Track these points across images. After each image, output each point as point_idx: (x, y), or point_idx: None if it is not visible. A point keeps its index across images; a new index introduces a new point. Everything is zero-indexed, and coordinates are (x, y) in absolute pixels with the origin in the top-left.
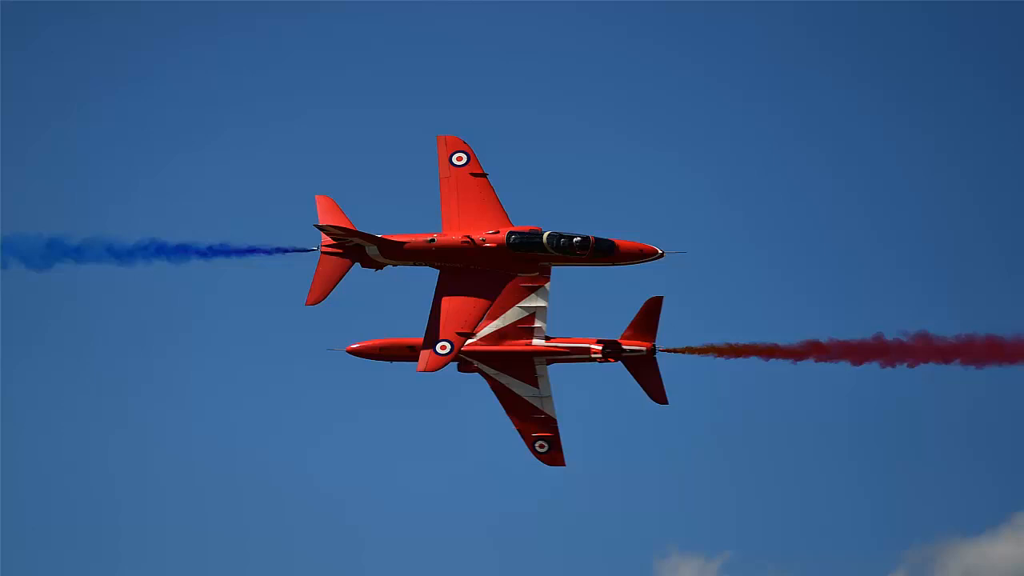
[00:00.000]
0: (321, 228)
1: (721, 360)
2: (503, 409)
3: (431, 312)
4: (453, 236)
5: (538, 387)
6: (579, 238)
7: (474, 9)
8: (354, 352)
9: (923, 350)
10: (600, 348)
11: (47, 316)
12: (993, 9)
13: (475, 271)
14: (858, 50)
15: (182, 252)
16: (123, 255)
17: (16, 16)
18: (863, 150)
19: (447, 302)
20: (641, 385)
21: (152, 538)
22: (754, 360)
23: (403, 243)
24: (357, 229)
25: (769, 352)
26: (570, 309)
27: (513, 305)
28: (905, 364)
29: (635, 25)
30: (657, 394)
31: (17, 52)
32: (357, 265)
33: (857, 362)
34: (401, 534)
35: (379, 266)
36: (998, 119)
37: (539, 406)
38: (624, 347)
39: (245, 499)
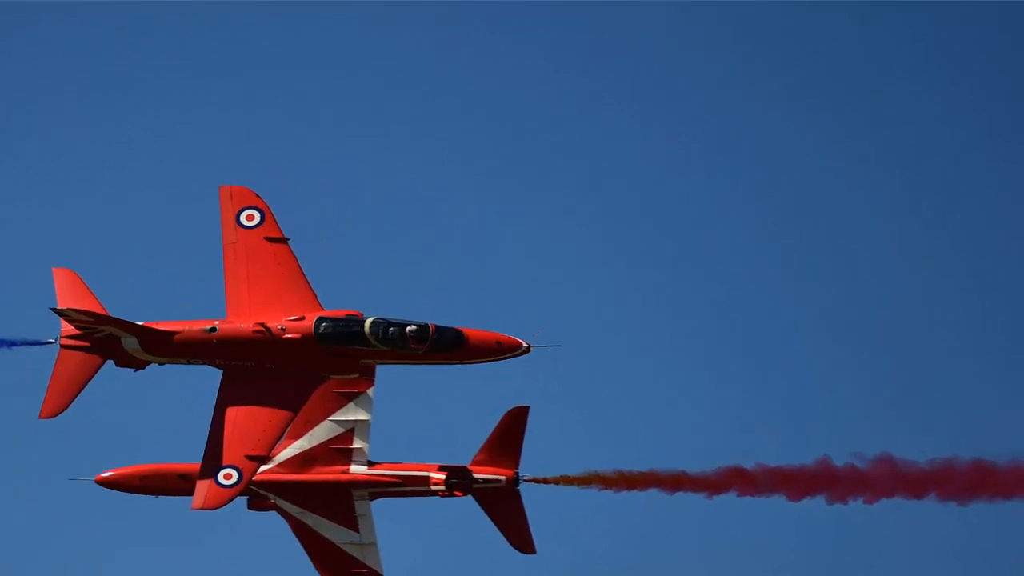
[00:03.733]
0: (60, 313)
1: (608, 493)
2: (309, 560)
3: (211, 428)
4: (242, 324)
5: (359, 530)
6: (414, 327)
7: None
8: (105, 483)
9: (885, 480)
10: (443, 477)
11: None
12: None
13: (272, 371)
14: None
15: None
16: None
17: None
18: (792, 187)
19: (233, 414)
20: (499, 528)
21: None
22: (654, 493)
23: (173, 333)
24: (110, 314)
25: (675, 483)
26: (402, 424)
27: (324, 418)
28: (861, 499)
29: (490, 45)
30: (521, 540)
31: None
32: (110, 363)
33: (795, 496)
34: None
35: (140, 364)
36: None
37: (359, 556)
38: (476, 476)
39: None
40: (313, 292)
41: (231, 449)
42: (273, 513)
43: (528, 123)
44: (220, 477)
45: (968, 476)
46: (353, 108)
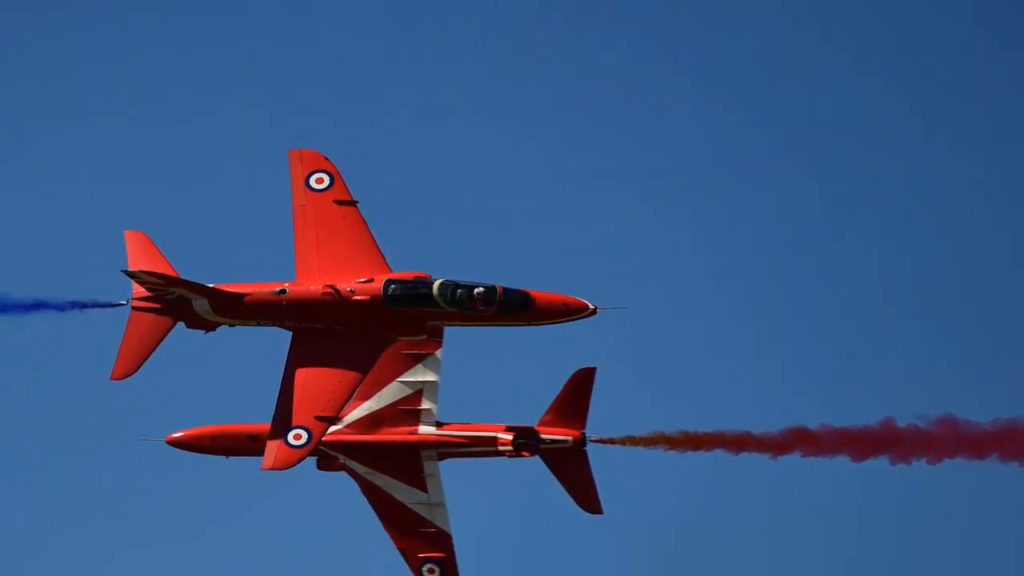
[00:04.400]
0: (131, 275)
1: (674, 454)
2: (378, 520)
3: (281, 389)
4: (311, 286)
5: (427, 491)
6: (482, 288)
7: None
8: (176, 443)
9: (948, 440)
10: (511, 438)
11: None
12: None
13: (341, 333)
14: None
15: None
16: None
17: None
18: (864, 158)
19: (303, 375)
20: (566, 487)
21: None
22: (719, 454)
23: (243, 295)
24: (180, 276)
25: (739, 443)
26: (470, 385)
27: (392, 380)
28: (923, 459)
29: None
30: (587, 499)
31: None
32: (181, 325)
33: (858, 457)
34: None
35: (211, 326)
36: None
37: (428, 516)
38: (543, 436)
39: None
40: (382, 254)
41: (301, 410)
42: (342, 473)
43: (597, 82)
44: (290, 438)
45: None
46: (418, 69)
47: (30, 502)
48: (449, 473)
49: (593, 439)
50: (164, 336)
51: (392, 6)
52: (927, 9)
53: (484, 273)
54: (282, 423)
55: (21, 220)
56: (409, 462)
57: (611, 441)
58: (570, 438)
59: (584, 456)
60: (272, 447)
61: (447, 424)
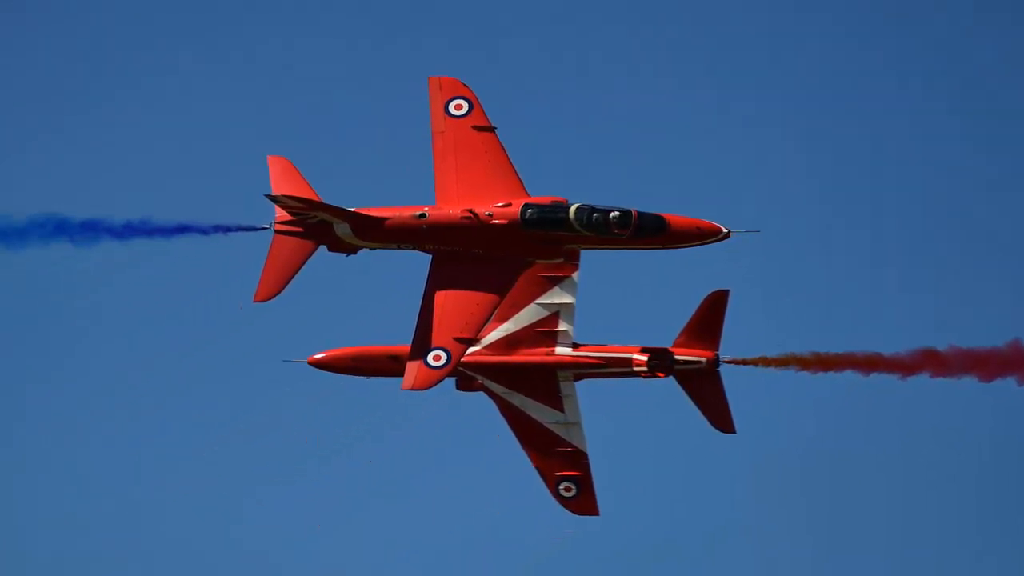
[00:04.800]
0: (274, 199)
1: (805, 375)
2: (516, 440)
3: (421, 311)
4: (450, 210)
5: (563, 410)
6: (617, 212)
7: None
8: (318, 364)
9: None
10: (645, 359)
11: None
12: None
13: (479, 256)
14: None
15: (90, 231)
16: (12, 235)
17: None
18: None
19: (442, 297)
20: (699, 407)
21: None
22: (849, 375)
23: (383, 219)
24: (322, 200)
25: (869, 364)
26: (605, 307)
27: (530, 302)
28: None
29: None
30: (721, 419)
31: None
32: (323, 248)
33: (987, 377)
34: None
35: (352, 249)
36: None
37: (565, 436)
38: (677, 357)
39: (181, 554)
40: (519, 179)
41: (440, 332)
42: (481, 394)
43: (731, 7)
44: (429, 359)
45: None
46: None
47: (176, 423)
48: (585, 393)
49: (726, 360)
50: (306, 259)
51: None
52: None
53: (619, 198)
54: (422, 344)
55: (167, 145)
56: (546, 383)
57: (743, 362)
58: (703, 359)
59: (717, 376)
60: (412, 368)
61: (583, 345)
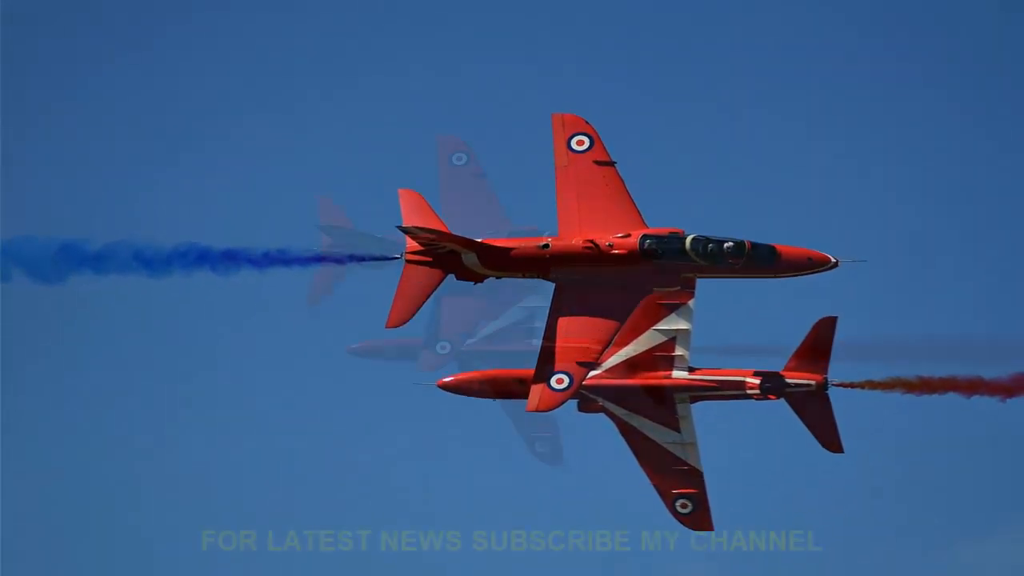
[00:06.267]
0: (406, 230)
1: (910, 397)
2: (635, 458)
3: (545, 336)
4: (572, 241)
5: (680, 431)
6: (731, 243)
7: None
8: (448, 387)
9: None
10: (758, 382)
11: (58, 337)
12: None
13: (600, 285)
14: None
15: (230, 260)
16: (156, 264)
17: (15, 9)
18: None
19: (565, 324)
20: (809, 428)
21: None
22: (952, 397)
23: (509, 249)
24: (451, 232)
25: (972, 387)
26: (720, 333)
27: (648, 328)
28: None
29: None
30: (829, 440)
31: (17, 44)
32: (451, 277)
33: None
34: None
35: (479, 278)
36: None
37: (681, 455)
38: (788, 380)
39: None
40: (638, 211)
41: (563, 356)
42: (601, 415)
43: (832, 40)
44: (553, 382)
45: None
46: (671, 42)
47: (309, 437)
48: (700, 415)
49: (835, 383)
50: (435, 287)
51: None
52: None
53: (733, 229)
54: (546, 368)
55: (307, 181)
56: (664, 405)
57: (851, 385)
58: (813, 382)
59: (826, 399)
60: (536, 390)
61: (698, 369)
